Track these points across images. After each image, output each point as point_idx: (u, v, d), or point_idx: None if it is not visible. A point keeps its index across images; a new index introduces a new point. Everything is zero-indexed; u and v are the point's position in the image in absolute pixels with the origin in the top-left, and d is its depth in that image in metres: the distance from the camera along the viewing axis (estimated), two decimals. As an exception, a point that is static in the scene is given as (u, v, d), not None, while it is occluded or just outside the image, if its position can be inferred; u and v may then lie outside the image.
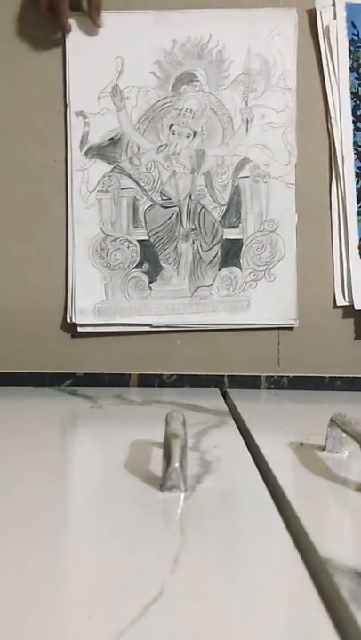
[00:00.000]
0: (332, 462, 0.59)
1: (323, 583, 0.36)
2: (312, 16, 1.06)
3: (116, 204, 1.05)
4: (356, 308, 1.05)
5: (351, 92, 1.06)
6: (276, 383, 1.03)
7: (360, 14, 1.06)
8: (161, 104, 1.05)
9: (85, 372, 1.03)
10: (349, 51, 1.06)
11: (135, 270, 1.05)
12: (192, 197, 1.05)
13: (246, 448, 0.64)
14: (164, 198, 1.05)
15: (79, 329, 1.05)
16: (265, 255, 1.05)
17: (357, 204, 1.05)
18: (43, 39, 1.05)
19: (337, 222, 1.06)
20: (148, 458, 0.59)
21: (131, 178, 1.05)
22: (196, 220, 1.05)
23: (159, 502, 0.48)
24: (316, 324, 1.06)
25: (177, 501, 0.48)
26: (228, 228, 1.05)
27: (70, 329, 1.05)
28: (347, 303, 1.06)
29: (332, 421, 0.60)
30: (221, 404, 0.88)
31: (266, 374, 1.03)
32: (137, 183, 1.05)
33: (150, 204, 1.05)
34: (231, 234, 1.05)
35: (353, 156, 1.05)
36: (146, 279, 1.05)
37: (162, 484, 0.50)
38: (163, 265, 1.05)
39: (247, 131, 1.05)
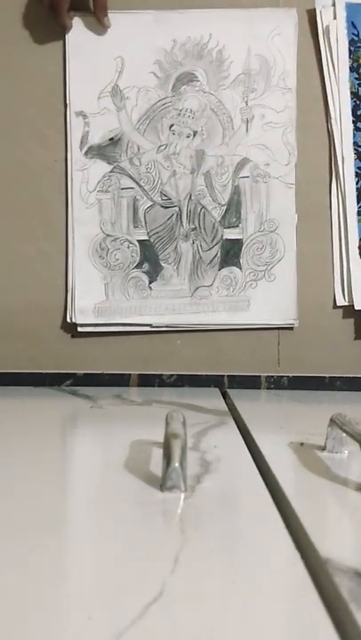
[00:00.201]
0: (332, 462, 0.59)
1: (323, 583, 0.36)
2: (312, 16, 1.06)
3: (116, 204, 1.05)
4: (356, 307, 1.05)
5: (351, 92, 1.06)
6: (276, 383, 1.03)
7: (360, 14, 1.06)
8: (161, 104, 1.05)
9: (85, 371, 1.03)
10: (349, 51, 1.06)
11: (135, 270, 1.05)
12: (192, 197, 1.05)
13: (246, 448, 0.64)
14: (164, 198, 1.05)
15: (79, 329, 1.05)
16: (265, 255, 1.05)
17: (357, 203, 1.05)
18: (43, 39, 1.05)
19: (337, 222, 1.06)
20: (148, 458, 0.59)
21: (131, 178, 1.05)
22: (196, 220, 1.05)
23: (159, 502, 0.48)
24: (316, 324, 1.06)
25: (177, 501, 0.48)
26: (228, 228, 1.05)
27: (70, 329, 1.05)
28: (347, 303, 1.06)
29: (332, 421, 0.60)
30: (221, 404, 0.88)
31: (266, 374, 1.03)
32: (137, 183, 1.05)
33: (150, 203, 1.05)
34: (231, 234, 1.05)
35: (353, 155, 1.05)
36: (146, 279, 1.05)
37: (162, 484, 0.50)
38: (163, 265, 1.05)
39: (247, 131, 1.05)
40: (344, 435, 0.59)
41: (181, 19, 1.05)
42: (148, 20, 1.05)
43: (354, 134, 1.06)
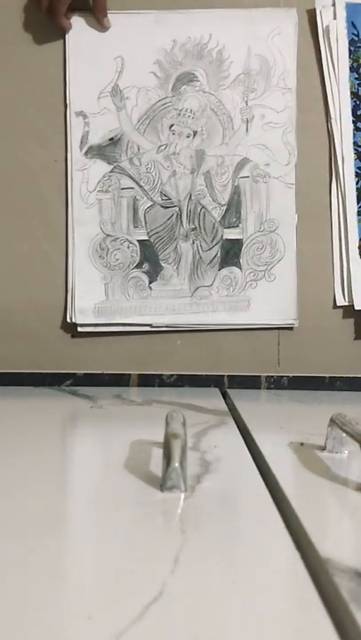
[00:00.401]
0: (332, 462, 0.59)
1: (323, 583, 0.36)
2: (312, 16, 1.06)
3: (116, 204, 1.05)
4: (356, 307, 1.05)
5: (351, 92, 1.06)
6: (276, 383, 1.03)
7: (360, 14, 1.06)
8: (161, 104, 1.05)
9: (85, 371, 1.03)
10: (349, 51, 1.06)
11: (135, 270, 1.05)
12: (192, 197, 1.05)
13: (246, 448, 0.64)
14: (164, 198, 1.05)
15: (79, 329, 1.05)
16: (265, 255, 1.05)
17: (357, 203, 1.05)
18: (43, 39, 1.05)
19: (337, 222, 1.06)
20: (148, 458, 0.59)
21: (131, 178, 1.05)
22: (196, 220, 1.05)
23: (159, 502, 0.48)
24: (316, 324, 1.06)
25: (177, 501, 0.48)
26: (228, 228, 1.05)
27: (70, 329, 1.05)
28: (347, 303, 1.06)
29: (332, 421, 0.60)
30: (221, 404, 0.88)
31: (266, 374, 1.03)
32: (137, 183, 1.05)
33: (150, 203, 1.05)
34: (231, 234, 1.05)
35: (353, 155, 1.05)
36: (146, 279, 1.05)
37: (162, 484, 0.50)
38: (163, 265, 1.05)
39: (247, 131, 1.05)
40: (344, 435, 0.59)
41: (181, 19, 1.05)
42: (148, 20, 1.05)
43: (354, 134, 1.06)
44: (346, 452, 0.61)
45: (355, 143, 1.06)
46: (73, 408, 0.89)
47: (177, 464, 0.49)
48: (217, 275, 1.05)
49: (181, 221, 1.05)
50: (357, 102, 1.06)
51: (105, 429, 0.77)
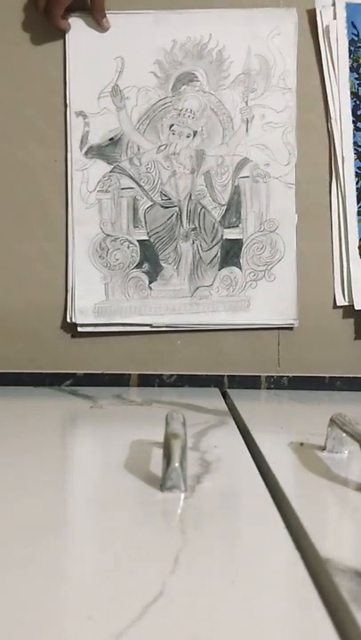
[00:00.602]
0: (332, 462, 0.59)
1: (323, 583, 0.36)
2: (312, 16, 1.06)
3: (116, 204, 1.05)
4: (356, 307, 1.05)
5: (351, 92, 1.06)
6: (276, 383, 1.03)
7: (360, 14, 1.06)
8: (161, 104, 1.05)
9: (85, 371, 1.03)
10: (349, 51, 1.06)
11: (135, 270, 1.05)
12: (192, 197, 1.05)
13: (246, 448, 0.64)
14: (164, 198, 1.05)
15: (79, 329, 1.05)
16: (265, 255, 1.05)
17: (357, 203, 1.05)
18: (43, 39, 1.05)
19: (337, 222, 1.06)
20: (148, 458, 0.59)
21: (131, 178, 1.05)
22: (196, 220, 1.05)
23: (159, 502, 0.48)
24: (316, 324, 1.06)
25: (177, 501, 0.48)
26: (228, 227, 1.05)
27: (70, 329, 1.05)
28: (347, 303, 1.06)
29: (332, 421, 0.60)
30: (221, 404, 0.88)
31: (266, 374, 1.03)
32: (137, 183, 1.05)
33: (150, 204, 1.05)
34: (231, 234, 1.05)
35: (353, 156, 1.05)
36: (146, 279, 1.05)
37: (162, 484, 0.50)
38: (163, 265, 1.05)
39: (247, 131, 1.05)
40: (344, 435, 0.59)
41: (181, 19, 1.05)
42: (148, 20, 1.05)
43: (354, 134, 1.06)
44: (346, 452, 0.61)
45: (355, 143, 1.06)
46: (73, 408, 0.89)
47: (177, 464, 0.49)
48: (217, 275, 1.05)
49: (181, 221, 1.05)
50: (357, 102, 1.06)
51: (105, 429, 0.77)
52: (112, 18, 1.04)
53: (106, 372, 1.03)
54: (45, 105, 1.06)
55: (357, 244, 1.05)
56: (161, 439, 0.52)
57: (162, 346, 1.06)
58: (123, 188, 1.05)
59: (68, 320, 1.04)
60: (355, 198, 1.05)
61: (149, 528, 0.44)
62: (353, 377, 1.03)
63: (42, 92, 1.06)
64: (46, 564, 0.38)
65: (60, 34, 1.04)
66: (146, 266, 1.05)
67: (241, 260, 1.05)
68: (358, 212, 1.05)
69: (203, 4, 1.05)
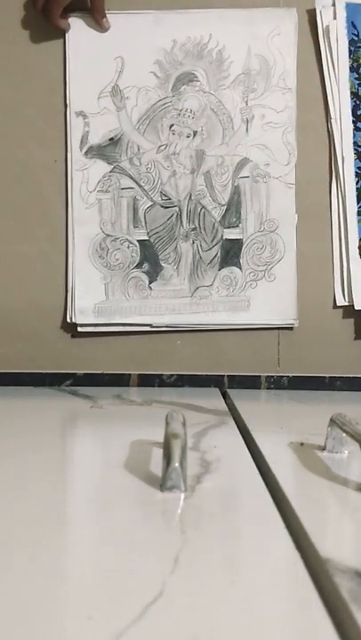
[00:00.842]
0: (332, 462, 0.59)
1: (323, 583, 0.36)
2: (312, 16, 1.06)
3: (116, 204, 1.05)
4: (356, 307, 1.05)
5: (351, 92, 1.06)
6: (276, 383, 1.03)
7: (360, 14, 1.06)
8: (161, 104, 1.05)
9: (85, 371, 1.03)
10: (349, 51, 1.06)
11: (135, 270, 1.05)
12: (192, 197, 1.05)
13: (246, 448, 0.64)
14: (164, 198, 1.05)
15: (79, 329, 1.05)
16: (265, 255, 1.05)
17: (357, 203, 1.05)
18: (43, 39, 1.05)
19: (337, 222, 1.06)
20: (148, 458, 0.59)
21: (131, 178, 1.05)
22: (196, 220, 1.05)
23: (159, 502, 0.48)
24: (316, 324, 1.06)
25: (177, 501, 0.48)
26: (228, 227, 1.05)
27: (70, 329, 1.05)
28: (347, 303, 1.06)
29: (332, 421, 0.60)
30: (221, 404, 0.88)
31: (266, 374, 1.03)
32: (137, 183, 1.05)
33: (150, 204, 1.05)
34: (231, 234, 1.05)
35: (353, 156, 1.05)
36: (146, 279, 1.05)
37: (162, 484, 0.50)
38: (163, 265, 1.05)
39: (247, 131, 1.05)
40: (344, 435, 0.59)
41: (181, 19, 1.05)
42: (148, 20, 1.05)
43: (354, 134, 1.06)
44: (346, 452, 0.61)
45: (355, 143, 1.06)
46: (73, 408, 0.89)
47: (177, 464, 0.49)
48: (217, 275, 1.05)
49: (181, 221, 1.05)
50: (357, 102, 1.06)
51: (105, 429, 0.77)
52: (112, 18, 1.04)
53: (106, 372, 1.03)
54: (45, 105, 1.06)
55: (357, 244, 1.05)
56: (161, 439, 0.52)
57: (162, 346, 1.06)
58: (123, 188, 1.05)
59: (68, 320, 1.04)
60: (355, 198, 1.05)
61: (149, 528, 0.44)
62: (353, 377, 1.03)
63: (42, 92, 1.06)
64: (46, 564, 0.38)
65: (60, 34, 1.04)
66: (146, 266, 1.05)
67: (241, 260, 1.05)
68: (358, 212, 1.05)
69: (203, 3, 1.05)
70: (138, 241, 1.05)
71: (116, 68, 1.05)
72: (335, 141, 1.06)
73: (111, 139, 1.05)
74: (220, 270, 1.05)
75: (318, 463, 0.59)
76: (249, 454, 0.62)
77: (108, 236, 1.05)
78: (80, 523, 0.47)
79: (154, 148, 1.05)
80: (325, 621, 0.32)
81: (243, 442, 0.67)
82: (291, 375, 1.04)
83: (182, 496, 0.49)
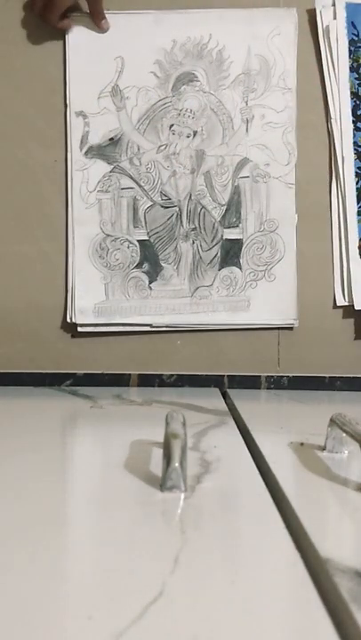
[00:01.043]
0: (332, 462, 0.59)
1: (323, 583, 0.36)
2: (312, 16, 1.06)
3: (116, 204, 1.05)
4: (356, 307, 1.05)
5: (351, 92, 1.06)
6: (276, 383, 1.03)
7: (360, 14, 1.06)
8: (161, 104, 1.05)
9: (85, 372, 1.03)
10: (349, 51, 1.06)
11: (135, 270, 1.05)
12: (192, 197, 1.05)
13: (246, 448, 0.64)
14: (164, 198, 1.05)
15: (79, 329, 1.05)
16: (265, 255, 1.05)
17: (357, 203, 1.05)
18: (43, 39, 1.05)
19: (337, 222, 1.06)
20: (148, 458, 0.59)
21: (131, 178, 1.05)
22: (196, 220, 1.05)
23: (159, 502, 0.48)
24: (316, 324, 1.06)
25: (177, 501, 0.48)
26: (228, 227, 1.05)
27: (70, 329, 1.05)
28: (347, 303, 1.06)
29: (332, 421, 0.60)
30: (221, 404, 0.88)
31: (266, 374, 1.03)
32: (137, 183, 1.05)
33: (150, 203, 1.05)
34: (231, 234, 1.05)
35: (353, 156, 1.05)
36: (146, 279, 1.05)
37: (162, 484, 0.50)
38: (163, 265, 1.05)
39: (247, 131, 1.05)
40: (344, 435, 0.59)
41: (181, 19, 1.05)
42: (148, 20, 1.05)
43: (354, 134, 1.06)
44: (346, 451, 0.61)
45: (355, 143, 1.06)
46: (73, 408, 0.89)
47: (177, 464, 0.49)
48: (217, 275, 1.05)
49: (181, 221, 1.05)
50: (357, 102, 1.06)
51: (105, 429, 0.77)
52: (112, 18, 1.04)
53: (106, 372, 1.03)
54: (45, 105, 1.06)
55: (357, 244, 1.05)
56: (161, 439, 0.52)
57: (162, 346, 1.06)
58: (123, 188, 1.05)
59: (68, 320, 1.04)
60: (355, 198, 1.05)
61: (149, 528, 0.44)
62: (353, 377, 1.03)
63: (42, 92, 1.06)
64: (46, 564, 0.38)
65: (60, 34, 1.04)
66: (146, 266, 1.05)
67: (241, 260, 1.05)
68: (358, 212, 1.05)
69: (203, 3, 1.05)
70: (138, 241, 1.05)
71: (116, 68, 1.05)
72: (335, 141, 1.06)
73: (111, 139, 1.05)
74: (220, 270, 1.05)
75: (318, 463, 0.59)
76: (249, 454, 0.62)
77: (108, 235, 1.05)
78: (80, 523, 0.47)
79: (154, 147, 1.05)
80: (325, 621, 0.32)
81: (243, 442, 0.67)
82: (291, 375, 1.04)
83: (182, 496, 0.49)
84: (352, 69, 1.06)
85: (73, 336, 1.06)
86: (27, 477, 0.55)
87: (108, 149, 1.05)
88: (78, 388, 1.00)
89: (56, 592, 0.35)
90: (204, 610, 0.33)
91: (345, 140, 1.05)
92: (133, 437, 0.66)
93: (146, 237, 1.05)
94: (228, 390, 0.99)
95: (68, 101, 1.05)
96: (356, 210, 1.05)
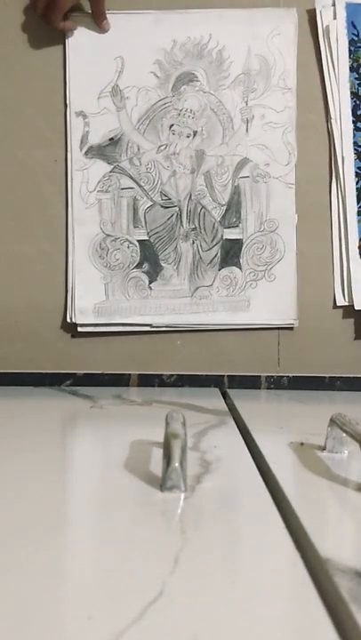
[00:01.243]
0: (332, 462, 0.59)
1: (323, 583, 0.36)
2: (312, 16, 1.06)
3: (116, 204, 1.05)
4: (356, 307, 1.05)
5: (351, 92, 1.06)
6: (276, 383, 1.03)
7: (360, 14, 1.06)
8: (161, 104, 1.05)
9: (85, 371, 1.03)
10: (349, 51, 1.06)
11: (135, 270, 1.05)
12: (192, 197, 1.05)
13: (246, 448, 0.64)
14: (164, 198, 1.05)
15: (79, 329, 1.05)
16: (265, 255, 1.05)
17: (357, 203, 1.05)
18: (43, 39, 1.05)
19: (337, 222, 1.06)
20: (148, 458, 0.59)
21: (131, 178, 1.05)
22: (196, 220, 1.05)
23: (159, 502, 0.48)
24: (316, 324, 1.06)
25: (177, 501, 0.48)
26: (228, 227, 1.05)
27: (70, 329, 1.05)
28: (347, 303, 1.06)
29: (333, 421, 0.60)
30: (221, 404, 0.88)
31: (266, 374, 1.03)
32: (137, 183, 1.05)
33: (150, 204, 1.05)
34: (231, 234, 1.05)
35: (353, 156, 1.05)
36: (146, 279, 1.05)
37: (162, 484, 0.50)
38: (163, 265, 1.05)
39: (247, 131, 1.05)
40: (344, 435, 0.59)
41: (181, 19, 1.05)
42: (148, 20, 1.05)
43: (354, 134, 1.06)
44: (346, 451, 0.61)
45: (355, 143, 1.06)
46: (73, 408, 0.89)
47: (177, 464, 0.49)
48: (217, 275, 1.05)
49: (181, 221, 1.05)
50: (357, 102, 1.06)
51: (105, 429, 0.77)
52: (112, 18, 1.04)
53: (106, 372, 1.03)
54: (45, 105, 1.06)
55: (357, 244, 1.05)
56: (161, 439, 0.52)
57: (162, 346, 1.06)
58: (123, 188, 1.05)
59: (68, 320, 1.04)
60: (355, 198, 1.05)
61: (149, 528, 0.44)
62: (353, 377, 1.03)
63: (42, 92, 1.06)
64: (46, 564, 0.38)
65: (60, 34, 1.04)
66: (146, 266, 1.05)
67: (241, 260, 1.05)
68: (358, 212, 1.05)
69: (203, 3, 1.05)
70: (138, 241, 1.05)
71: (116, 68, 1.05)
72: (335, 141, 1.06)
73: (111, 139, 1.05)
74: (220, 270, 1.05)
75: (318, 463, 0.59)
76: (249, 454, 0.62)
77: (108, 235, 1.05)
78: (80, 523, 0.47)
79: (154, 147, 1.05)
80: (325, 621, 0.32)
81: (243, 442, 0.67)
82: (291, 375, 1.04)
83: (182, 496, 0.49)
84: (352, 69, 1.06)
85: (73, 336, 1.06)
86: (27, 477, 0.55)
87: (108, 149, 1.05)
88: (78, 387, 1.00)
89: (56, 592, 0.35)
90: (204, 610, 0.33)
91: (345, 140, 1.05)
92: (133, 437, 0.66)
93: (146, 237, 1.05)
94: (228, 390, 0.99)
95: (68, 101, 1.05)
96: (356, 210, 1.05)
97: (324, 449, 0.62)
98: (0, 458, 0.62)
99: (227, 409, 0.84)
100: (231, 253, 1.05)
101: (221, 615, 0.33)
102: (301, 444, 0.65)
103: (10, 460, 0.61)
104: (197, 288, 1.05)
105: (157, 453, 0.57)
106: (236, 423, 0.75)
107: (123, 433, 0.73)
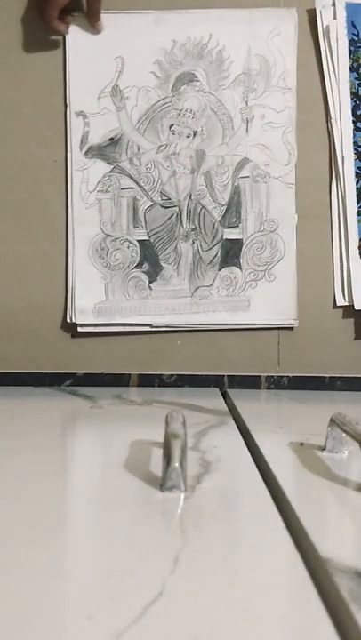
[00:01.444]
0: (332, 462, 0.59)
1: (323, 583, 0.36)
2: (312, 16, 1.06)
3: (116, 204, 1.05)
4: (356, 307, 1.05)
5: (351, 92, 1.06)
6: (276, 383, 1.03)
7: (360, 14, 1.06)
8: (161, 104, 1.05)
9: (85, 371, 1.03)
10: (349, 51, 1.06)
11: (135, 270, 1.05)
12: (192, 197, 1.05)
13: (246, 448, 0.64)
14: (164, 198, 1.05)
15: (79, 329, 1.05)
16: (265, 255, 1.05)
17: (357, 203, 1.05)
18: (43, 39, 1.05)
19: (337, 222, 1.06)
20: (148, 458, 0.59)
21: (131, 178, 1.05)
22: (196, 220, 1.05)
23: (159, 502, 0.48)
24: (316, 324, 1.06)
25: (177, 501, 0.48)
26: (228, 227, 1.05)
27: (70, 329, 1.05)
28: (347, 303, 1.06)
29: (333, 421, 0.60)
30: (221, 404, 0.88)
31: (266, 374, 1.03)
32: (137, 183, 1.05)
33: (150, 204, 1.05)
34: (231, 234, 1.05)
35: (353, 156, 1.05)
36: (146, 279, 1.05)
37: (162, 484, 0.50)
38: (163, 265, 1.05)
39: (247, 131, 1.05)
40: (344, 435, 0.59)
41: (181, 19, 1.05)
42: (148, 20, 1.05)
43: (354, 134, 1.06)
44: (346, 451, 0.61)
45: (355, 143, 1.06)
46: (73, 408, 0.89)
47: (177, 464, 0.49)
48: (217, 275, 1.05)
49: (181, 221, 1.05)
50: (357, 102, 1.06)
51: (105, 429, 0.77)
52: (112, 18, 1.04)
53: (106, 372, 1.03)
54: (45, 105, 1.06)
55: (357, 244, 1.05)
56: (161, 439, 0.52)
57: (162, 346, 1.06)
58: (123, 188, 1.05)
59: (68, 320, 1.04)
60: (355, 198, 1.05)
61: (149, 528, 0.44)
62: (353, 377, 1.03)
63: (42, 92, 1.06)
64: (46, 564, 0.38)
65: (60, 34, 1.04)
66: (146, 266, 1.05)
67: (241, 260, 1.05)
68: (358, 211, 1.05)
69: (203, 3, 1.05)
70: (138, 241, 1.05)
71: (116, 68, 1.05)
72: (335, 141, 1.06)
73: (111, 139, 1.05)
74: (220, 270, 1.05)
75: (318, 463, 0.59)
76: (249, 454, 0.62)
77: (108, 235, 1.05)
78: (80, 523, 0.47)
79: (154, 147, 1.05)
80: (325, 621, 0.32)
81: (243, 442, 0.67)
82: (291, 375, 1.04)
83: (182, 496, 0.49)
84: (352, 69, 1.06)
85: (73, 336, 1.06)
86: (27, 477, 0.55)
87: (108, 149, 1.05)
88: (78, 387, 1.00)
89: (56, 592, 0.35)
90: (204, 610, 0.33)
91: (345, 140, 1.05)
92: (133, 437, 0.66)
93: (146, 237, 1.05)
94: (228, 390, 0.99)
95: (68, 101, 1.05)
96: (356, 210, 1.05)
97: (324, 449, 0.62)
98: (0, 458, 0.62)
99: (227, 409, 0.84)
100: (231, 253, 1.05)
101: (221, 615, 0.33)
102: (301, 444, 0.65)
103: (10, 460, 0.61)
104: (197, 288, 1.05)
105: (157, 453, 0.57)
106: (236, 423, 0.75)
107: (123, 433, 0.73)
